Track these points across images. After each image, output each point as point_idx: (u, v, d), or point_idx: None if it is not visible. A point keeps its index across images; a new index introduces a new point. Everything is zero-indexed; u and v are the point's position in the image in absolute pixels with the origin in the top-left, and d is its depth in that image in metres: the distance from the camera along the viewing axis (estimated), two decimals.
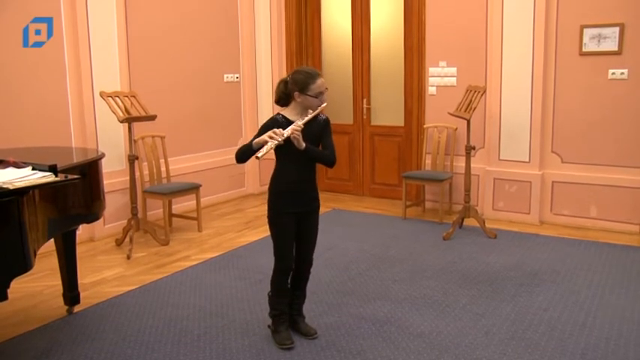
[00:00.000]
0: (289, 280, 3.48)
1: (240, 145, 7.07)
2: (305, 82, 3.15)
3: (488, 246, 5.28)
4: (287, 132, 3.06)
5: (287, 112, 3.25)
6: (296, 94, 3.19)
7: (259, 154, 2.96)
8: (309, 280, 3.56)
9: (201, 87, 6.85)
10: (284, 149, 3.12)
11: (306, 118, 3.16)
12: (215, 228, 6.07)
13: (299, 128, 3.09)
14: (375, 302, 4.04)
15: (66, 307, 3.99)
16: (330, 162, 3.30)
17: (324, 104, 3.22)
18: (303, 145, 3.13)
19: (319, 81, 3.16)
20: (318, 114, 3.26)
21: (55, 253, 4.00)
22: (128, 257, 5.11)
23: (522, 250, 5.14)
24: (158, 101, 6.11)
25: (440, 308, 3.93)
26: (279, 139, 3.01)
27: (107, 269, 4.85)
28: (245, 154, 3.16)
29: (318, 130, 3.27)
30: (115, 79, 5.72)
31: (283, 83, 3.26)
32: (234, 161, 3.22)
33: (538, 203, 5.96)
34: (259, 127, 3.23)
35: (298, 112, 3.22)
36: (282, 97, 3.27)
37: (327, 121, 3.36)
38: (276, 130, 3.05)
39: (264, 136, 3.03)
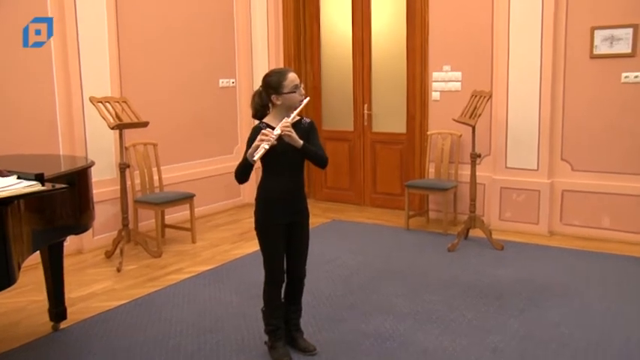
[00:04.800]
0: (283, 295, 3.48)
1: (234, 153, 7.27)
2: (278, 82, 3.18)
3: (495, 258, 5.25)
4: (277, 130, 3.07)
5: (269, 120, 3.26)
6: (273, 97, 3.20)
7: (255, 157, 3.00)
8: (303, 293, 3.55)
9: (195, 92, 6.83)
10: (270, 156, 3.12)
11: (293, 114, 3.17)
12: (209, 239, 6.05)
13: (288, 124, 3.10)
14: (376, 317, 4.02)
15: (51, 324, 3.94)
16: (325, 160, 3.31)
17: (307, 98, 3.24)
18: (300, 141, 3.14)
19: (290, 75, 3.19)
20: (302, 117, 3.28)
21: (40, 266, 3.95)
22: (118, 270, 5.08)
23: (531, 263, 5.10)
24: (150, 107, 6.07)
25: (444, 324, 3.91)
26: (272, 138, 3.02)
27: (96, 283, 4.82)
28: (243, 170, 3.17)
29: (303, 134, 3.25)
30: (105, 84, 5.70)
31: (258, 94, 3.29)
32: (236, 181, 3.25)
33: (547, 213, 5.92)
34: (247, 139, 3.23)
35: (281, 117, 3.19)
36: (260, 110, 3.30)
37: (312, 123, 3.36)
38: (264, 131, 3.06)
39: (255, 142, 3.05)
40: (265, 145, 2.99)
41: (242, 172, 3.18)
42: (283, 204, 3.28)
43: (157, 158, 6.08)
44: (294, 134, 3.10)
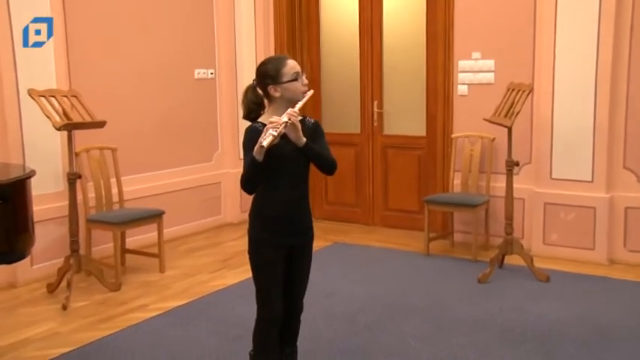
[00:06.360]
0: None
1: (213, 161, 7.29)
2: (275, 69, 3.22)
3: (538, 292, 5.21)
4: (284, 117, 3.08)
5: (265, 119, 3.26)
6: (271, 88, 3.23)
7: (264, 143, 2.99)
8: (299, 332, 3.56)
9: (165, 85, 6.84)
10: (268, 164, 3.12)
11: (300, 103, 3.19)
12: (182, 268, 6.05)
13: (295, 113, 3.11)
14: None
15: None
16: (333, 163, 3.31)
17: (311, 91, 3.28)
18: (304, 139, 3.16)
19: (290, 62, 3.25)
20: (305, 117, 3.31)
21: None
22: (64, 308, 5.00)
23: (585, 299, 5.06)
24: (107, 103, 6.05)
25: None
26: (280, 125, 3.03)
27: (33, 325, 4.72)
28: (251, 174, 3.14)
29: (307, 135, 3.25)
30: (48, 73, 5.64)
31: (251, 90, 3.34)
32: (245, 192, 3.24)
33: (605, 236, 5.88)
34: (242, 143, 3.26)
35: (280, 114, 3.17)
36: (254, 108, 3.35)
37: (316, 124, 3.39)
38: (272, 119, 3.06)
39: (263, 134, 3.06)
40: (273, 132, 3.01)
41: (250, 178, 3.15)
42: (285, 221, 3.29)
43: (116, 167, 6.06)
44: (299, 127, 3.12)
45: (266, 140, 2.98)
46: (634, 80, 5.71)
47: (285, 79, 3.19)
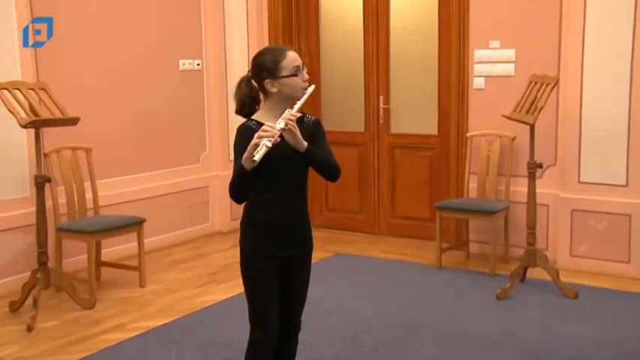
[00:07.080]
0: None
1: (200, 163, 7.23)
2: (274, 61, 3.20)
3: (565, 309, 5.17)
4: (281, 123, 3.06)
5: (260, 117, 3.27)
6: (267, 82, 3.21)
7: (256, 157, 2.99)
8: (296, 354, 3.55)
9: (145, 78, 6.83)
10: (263, 167, 3.11)
11: (297, 105, 3.17)
12: (165, 282, 6.04)
13: (293, 118, 3.09)
14: None
15: None
16: (337, 169, 3.33)
17: (312, 87, 3.26)
18: (305, 143, 3.15)
19: (290, 54, 3.23)
20: (304, 114, 3.32)
21: None
22: (30, 329, 4.94)
23: (620, 317, 5.00)
24: (81, 97, 6.06)
25: None
26: (275, 133, 3.02)
27: None
28: (240, 182, 3.14)
29: (307, 135, 3.25)
30: (12, 63, 5.62)
31: (245, 82, 3.33)
32: (233, 200, 3.24)
33: None
34: (234, 144, 3.25)
35: (277, 111, 3.20)
36: (247, 103, 3.33)
37: (316, 122, 3.40)
38: (265, 126, 3.03)
39: (254, 140, 3.01)
40: (267, 142, 2.98)
41: (239, 185, 3.15)
42: (281, 230, 3.28)
43: (90, 169, 6.04)
44: (298, 132, 3.12)
45: (259, 154, 2.97)
46: None
47: (283, 73, 3.18)
